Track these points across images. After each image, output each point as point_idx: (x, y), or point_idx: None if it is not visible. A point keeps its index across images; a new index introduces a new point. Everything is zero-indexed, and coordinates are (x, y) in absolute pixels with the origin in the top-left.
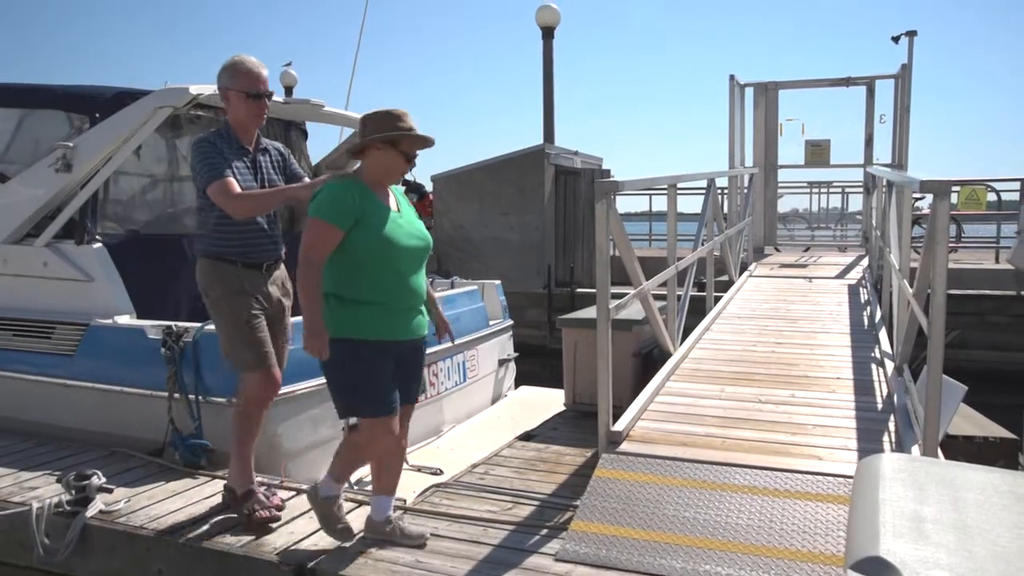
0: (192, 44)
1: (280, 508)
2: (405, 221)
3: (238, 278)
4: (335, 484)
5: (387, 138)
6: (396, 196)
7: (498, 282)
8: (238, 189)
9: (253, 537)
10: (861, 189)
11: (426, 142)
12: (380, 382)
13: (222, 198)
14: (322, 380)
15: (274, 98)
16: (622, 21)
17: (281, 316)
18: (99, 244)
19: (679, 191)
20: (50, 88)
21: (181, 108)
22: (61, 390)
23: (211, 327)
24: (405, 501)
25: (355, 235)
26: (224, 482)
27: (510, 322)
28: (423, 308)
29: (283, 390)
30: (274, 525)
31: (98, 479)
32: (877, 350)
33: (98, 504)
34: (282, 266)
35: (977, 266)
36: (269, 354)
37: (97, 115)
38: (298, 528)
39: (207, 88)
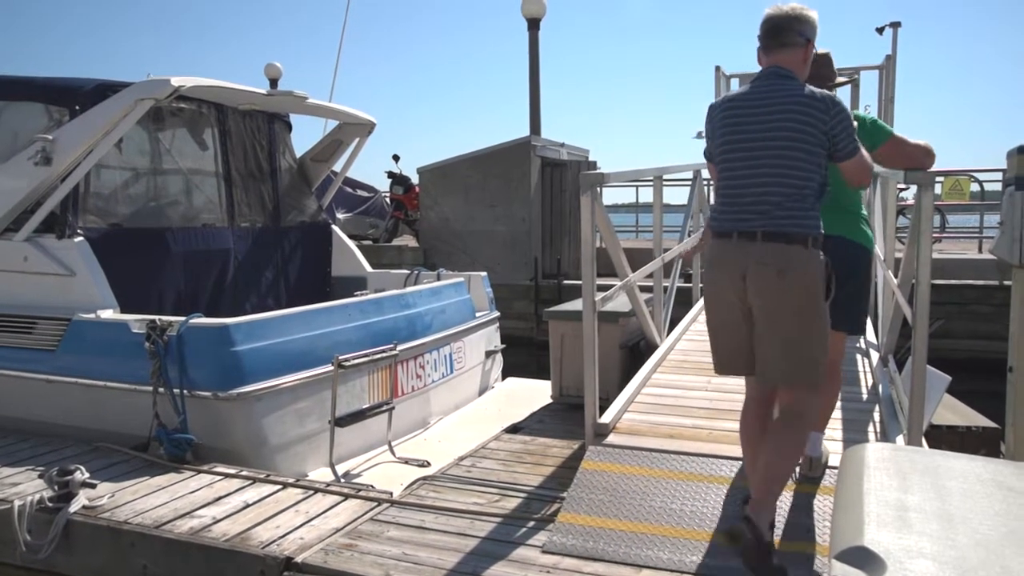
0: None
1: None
2: None
3: None
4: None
5: None
6: None
7: (484, 273)
8: None
9: (239, 531)
10: None
11: None
12: None
13: (865, 169)
14: (307, 373)
15: (257, 90)
16: (610, 13)
17: None
18: (80, 238)
19: (665, 183)
20: (29, 80)
21: (163, 100)
22: (43, 386)
23: (200, 320)
24: (392, 494)
25: None
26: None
27: (497, 313)
28: None
29: (268, 383)
30: (260, 519)
31: (81, 474)
32: (862, 341)
33: (81, 499)
34: None
35: (961, 256)
36: None
37: (77, 107)
38: (284, 522)
39: (189, 80)
